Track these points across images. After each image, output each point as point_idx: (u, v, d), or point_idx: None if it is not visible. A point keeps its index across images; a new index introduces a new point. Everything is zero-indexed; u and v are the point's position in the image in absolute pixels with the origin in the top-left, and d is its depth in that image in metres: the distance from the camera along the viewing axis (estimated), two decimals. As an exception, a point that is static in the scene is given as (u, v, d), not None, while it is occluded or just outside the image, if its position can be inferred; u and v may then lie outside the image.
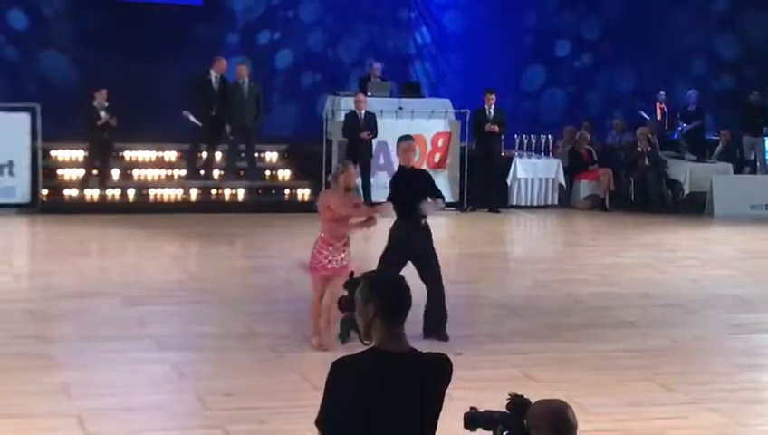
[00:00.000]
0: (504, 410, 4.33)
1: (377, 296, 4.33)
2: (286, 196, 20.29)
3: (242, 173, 20.35)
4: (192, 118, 19.93)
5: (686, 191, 21.48)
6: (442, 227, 19.16)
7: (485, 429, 4.45)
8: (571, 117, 23.67)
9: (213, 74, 20.23)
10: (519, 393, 4.37)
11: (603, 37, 24.45)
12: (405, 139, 11.45)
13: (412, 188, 11.05)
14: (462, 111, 20.70)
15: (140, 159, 20.33)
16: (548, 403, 4.31)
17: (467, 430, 4.45)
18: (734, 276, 15.07)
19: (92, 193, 19.29)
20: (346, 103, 20.26)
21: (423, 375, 4.34)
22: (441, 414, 4.41)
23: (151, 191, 19.66)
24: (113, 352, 10.46)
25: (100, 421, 8.52)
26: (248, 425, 8.56)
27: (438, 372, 4.40)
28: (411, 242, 11.01)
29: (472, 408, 4.40)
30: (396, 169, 11.66)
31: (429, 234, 11.17)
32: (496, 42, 23.70)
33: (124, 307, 12.22)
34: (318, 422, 4.32)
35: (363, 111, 19.66)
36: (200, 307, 12.50)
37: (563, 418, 4.27)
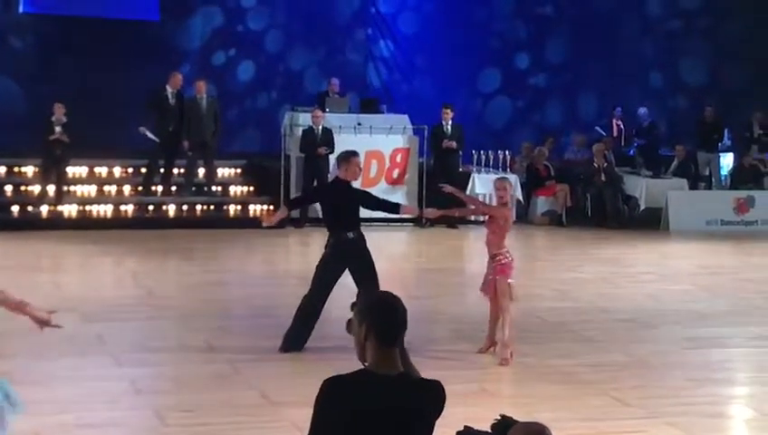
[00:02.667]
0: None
1: (369, 317, 4.32)
2: (244, 211, 20.25)
3: (203, 188, 20.34)
4: (149, 134, 19.88)
5: (642, 207, 21.63)
6: (400, 243, 19.23)
7: None
8: (519, 127, 23.93)
9: (169, 90, 20.18)
10: (507, 415, 4.38)
11: (565, 60, 24.64)
12: (354, 154, 11.48)
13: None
14: (420, 126, 20.77)
15: (96, 175, 20.23)
16: (524, 427, 4.32)
17: None
18: (690, 291, 15.18)
19: (48, 209, 19.15)
20: (304, 119, 20.27)
21: (413, 400, 4.31)
22: None
23: (108, 207, 19.54)
24: (70, 368, 10.40)
25: (58, 438, 8.47)
26: (206, 441, 8.53)
27: (429, 399, 4.36)
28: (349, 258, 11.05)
29: (466, 427, 4.40)
30: (353, 183, 11.58)
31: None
32: (454, 41, 23.85)
33: (81, 323, 12.13)
34: None
35: (320, 127, 19.68)
36: (157, 323, 12.45)
37: None
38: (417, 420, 4.30)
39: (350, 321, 4.43)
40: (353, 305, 4.47)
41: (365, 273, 10.99)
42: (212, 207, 20.12)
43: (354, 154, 11.37)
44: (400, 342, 4.37)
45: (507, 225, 11.40)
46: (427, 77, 23.86)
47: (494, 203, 11.93)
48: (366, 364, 4.34)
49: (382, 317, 4.33)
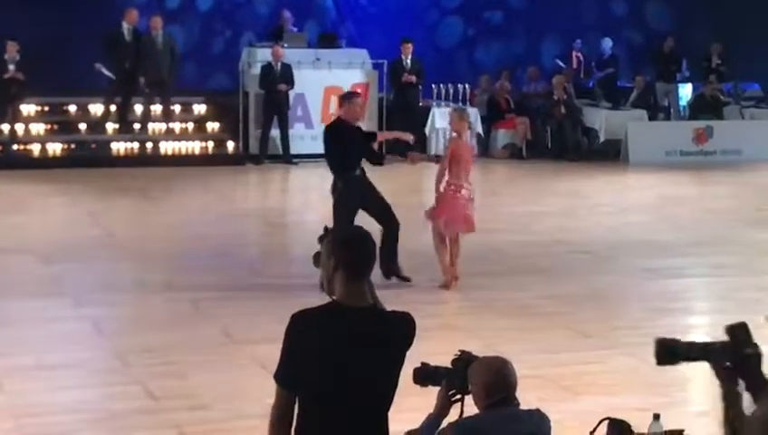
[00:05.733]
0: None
1: (338, 250, 4.29)
2: (203, 149, 20.11)
3: (161, 126, 20.17)
4: (104, 70, 19.66)
5: (602, 139, 21.65)
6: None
7: (433, 384, 4.45)
8: (471, 55, 23.81)
9: (125, 26, 19.94)
10: (467, 350, 4.37)
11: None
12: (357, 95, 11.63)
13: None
14: (379, 61, 20.65)
15: (52, 113, 20.01)
16: (486, 361, 4.33)
17: (417, 385, 4.45)
18: (650, 222, 15.24)
19: (1, 148, 18.98)
20: (262, 55, 20.08)
21: (382, 332, 4.29)
22: None
23: (64, 146, 19.36)
24: (29, 310, 10.33)
25: (18, 380, 8.42)
26: (168, 380, 8.51)
27: (399, 331, 4.34)
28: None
29: (423, 363, 4.38)
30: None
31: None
32: None
33: (39, 265, 12.06)
34: (276, 376, 4.26)
35: (279, 63, 19.52)
36: (117, 263, 12.37)
37: (498, 377, 4.31)
38: (386, 352, 4.27)
39: (317, 254, 4.40)
40: (320, 239, 4.43)
41: (380, 208, 11.26)
42: (169, 144, 19.96)
43: (356, 95, 11.49)
44: (368, 275, 4.35)
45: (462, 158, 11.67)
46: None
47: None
48: (334, 297, 4.31)
49: (351, 250, 4.30)
